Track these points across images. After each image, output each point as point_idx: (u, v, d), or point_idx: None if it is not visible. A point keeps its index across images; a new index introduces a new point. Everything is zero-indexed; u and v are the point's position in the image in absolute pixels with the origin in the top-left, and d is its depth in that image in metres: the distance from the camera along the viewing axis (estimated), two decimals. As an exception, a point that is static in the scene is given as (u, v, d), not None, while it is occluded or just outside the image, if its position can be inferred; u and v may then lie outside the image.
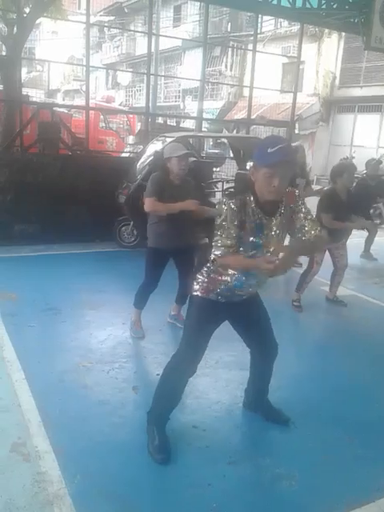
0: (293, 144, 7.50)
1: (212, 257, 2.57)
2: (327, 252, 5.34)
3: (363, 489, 2.65)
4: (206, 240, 5.50)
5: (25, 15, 9.32)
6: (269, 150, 2.39)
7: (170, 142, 5.09)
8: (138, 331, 4.41)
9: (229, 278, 2.70)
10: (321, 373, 3.97)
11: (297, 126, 18.31)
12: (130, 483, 2.59)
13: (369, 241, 7.94)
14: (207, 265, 2.73)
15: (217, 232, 2.53)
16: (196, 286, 2.78)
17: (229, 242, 2.50)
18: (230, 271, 2.68)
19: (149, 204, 4.01)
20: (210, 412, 3.29)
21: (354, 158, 16.45)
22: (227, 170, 14.46)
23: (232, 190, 2.61)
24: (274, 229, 2.60)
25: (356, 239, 7.71)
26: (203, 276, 2.75)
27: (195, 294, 2.79)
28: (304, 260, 5.83)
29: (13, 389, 3.39)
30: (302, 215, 2.65)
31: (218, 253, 2.53)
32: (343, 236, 5.32)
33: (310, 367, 4.09)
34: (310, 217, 2.66)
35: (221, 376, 3.76)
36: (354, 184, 8.03)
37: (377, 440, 3.12)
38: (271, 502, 2.56)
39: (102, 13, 30.89)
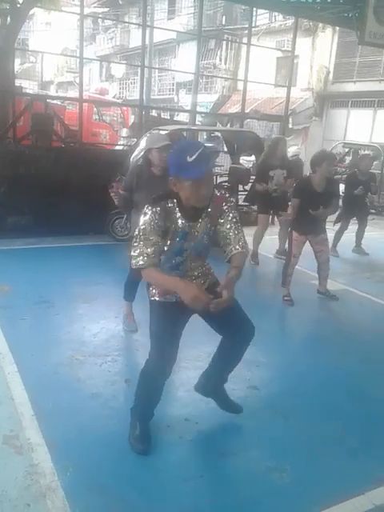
0: (274, 136, 7.52)
1: (133, 265, 2.44)
2: (308, 244, 5.34)
3: (353, 481, 2.68)
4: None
5: (18, 5, 9.25)
6: (189, 159, 2.23)
7: (151, 133, 5.11)
8: (130, 324, 4.41)
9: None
10: (312, 367, 3.99)
11: (290, 120, 18.29)
12: (122, 475, 2.61)
13: (359, 234, 7.94)
14: None
15: (136, 239, 2.42)
16: (153, 291, 2.69)
17: (148, 249, 2.38)
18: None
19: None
20: (202, 405, 3.30)
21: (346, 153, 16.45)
22: (221, 164, 14.44)
23: (156, 196, 2.46)
24: (198, 233, 2.54)
25: (347, 234, 7.75)
26: None
27: (153, 299, 2.71)
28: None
29: (5, 382, 3.39)
30: (228, 220, 2.54)
31: (140, 263, 2.39)
32: (318, 229, 5.27)
33: (302, 361, 4.11)
34: (236, 230, 2.54)
35: (213, 369, 3.77)
36: (345, 177, 8.10)
37: (367, 433, 3.15)
38: (263, 493, 2.58)
39: (96, 4, 30.66)
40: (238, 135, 8.45)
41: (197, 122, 12.99)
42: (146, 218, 2.42)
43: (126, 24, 29.80)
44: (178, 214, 2.46)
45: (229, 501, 2.51)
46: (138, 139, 7.76)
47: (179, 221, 2.47)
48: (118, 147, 11.66)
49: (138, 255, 2.40)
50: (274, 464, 2.78)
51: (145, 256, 2.39)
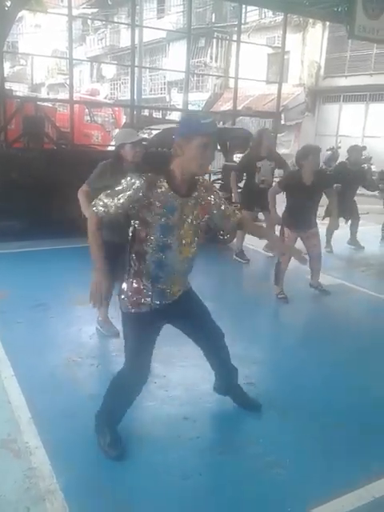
0: (257, 129, 7.54)
1: (92, 207, 2.51)
2: (299, 240, 5.30)
3: (352, 474, 2.68)
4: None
5: (6, 8, 9.20)
6: (202, 121, 2.39)
7: (123, 128, 5.00)
8: (110, 329, 4.22)
9: (147, 283, 2.56)
10: (307, 363, 4.00)
11: (283, 116, 18.31)
12: (121, 476, 2.60)
13: (353, 229, 7.87)
14: (127, 272, 2.60)
15: (109, 192, 2.48)
16: (125, 301, 2.59)
17: (113, 208, 2.44)
18: (145, 274, 2.55)
19: (79, 191, 3.98)
20: (200, 403, 3.30)
21: (339, 148, 16.48)
22: (214, 162, 14.43)
23: (146, 168, 2.60)
24: (187, 213, 2.52)
25: (342, 229, 7.74)
26: (126, 287, 2.60)
27: (125, 311, 2.61)
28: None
29: (2, 386, 3.38)
30: (218, 201, 2.67)
31: (99, 209, 2.46)
32: (308, 224, 5.24)
33: (298, 357, 4.10)
34: (226, 204, 2.73)
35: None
36: (334, 169, 8.06)
37: (364, 428, 3.15)
38: (262, 489, 2.58)
39: (85, 5, 30.57)
40: (230, 133, 8.44)
41: (189, 121, 12.94)
42: (127, 181, 2.45)
43: (116, 24, 29.73)
44: (166, 188, 2.45)
45: (229, 498, 2.50)
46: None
47: (166, 195, 2.45)
48: (110, 148, 11.61)
49: (102, 205, 2.47)
50: (273, 460, 2.78)
51: (106, 208, 2.46)
